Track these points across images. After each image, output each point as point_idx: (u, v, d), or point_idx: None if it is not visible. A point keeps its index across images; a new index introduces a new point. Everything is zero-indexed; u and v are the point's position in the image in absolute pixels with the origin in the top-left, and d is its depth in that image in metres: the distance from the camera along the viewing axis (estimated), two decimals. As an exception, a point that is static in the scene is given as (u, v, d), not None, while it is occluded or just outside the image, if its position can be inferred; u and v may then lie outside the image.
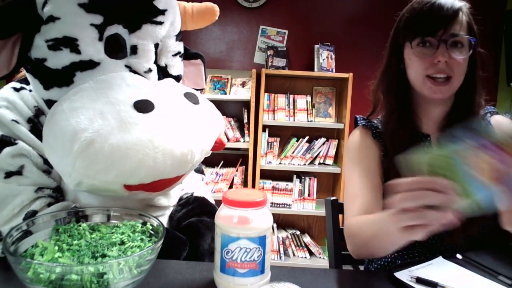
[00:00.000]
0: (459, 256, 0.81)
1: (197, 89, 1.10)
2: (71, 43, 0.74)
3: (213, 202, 1.01)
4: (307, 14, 2.90)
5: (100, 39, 0.77)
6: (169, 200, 0.93)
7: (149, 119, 0.70)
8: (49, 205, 0.78)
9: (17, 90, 0.83)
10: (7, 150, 0.75)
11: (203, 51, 2.95)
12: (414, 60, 0.91)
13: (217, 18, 0.97)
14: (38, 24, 0.74)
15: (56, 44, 0.74)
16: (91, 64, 0.76)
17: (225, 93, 2.81)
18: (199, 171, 1.13)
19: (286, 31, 2.92)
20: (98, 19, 0.75)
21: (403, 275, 0.73)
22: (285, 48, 2.85)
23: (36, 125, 0.80)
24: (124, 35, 0.80)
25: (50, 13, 0.73)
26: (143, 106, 0.71)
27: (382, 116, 1.02)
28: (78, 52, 0.75)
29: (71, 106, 0.71)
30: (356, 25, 2.86)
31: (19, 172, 0.77)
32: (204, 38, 2.94)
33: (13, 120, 0.78)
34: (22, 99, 0.81)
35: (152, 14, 0.82)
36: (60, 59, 0.75)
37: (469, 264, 0.78)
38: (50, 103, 0.77)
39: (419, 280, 0.70)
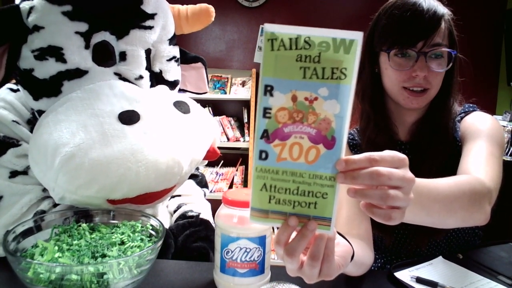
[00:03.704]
0: (459, 255, 0.81)
1: (199, 93, 1.09)
2: (56, 52, 0.73)
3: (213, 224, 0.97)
4: (307, 13, 2.90)
5: (87, 47, 0.76)
6: (154, 210, 0.89)
7: (133, 131, 0.69)
8: (55, 205, 0.78)
9: (14, 91, 0.83)
10: (11, 150, 0.75)
11: (203, 51, 2.96)
12: (390, 71, 0.85)
13: (213, 19, 0.93)
14: (24, 34, 0.73)
15: (41, 54, 0.73)
16: (78, 73, 0.75)
17: (225, 93, 2.81)
18: (201, 183, 1.08)
19: (286, 31, 2.92)
20: (83, 27, 0.74)
21: (403, 275, 0.73)
22: (285, 48, 2.84)
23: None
24: (112, 42, 0.78)
25: (35, 23, 0.73)
26: (128, 118, 0.70)
27: (359, 126, 0.98)
28: (64, 61, 0.74)
29: (56, 119, 0.70)
30: (356, 25, 2.84)
31: (24, 172, 0.77)
32: (204, 37, 2.94)
33: (13, 121, 0.78)
34: (19, 100, 0.81)
35: (140, 19, 0.80)
36: (46, 69, 0.74)
37: (469, 264, 0.78)
38: (40, 113, 0.76)
39: (419, 280, 0.70)
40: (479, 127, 0.85)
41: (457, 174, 0.77)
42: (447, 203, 0.62)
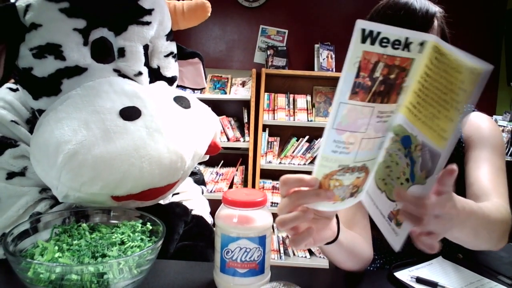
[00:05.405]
0: (459, 255, 0.81)
1: (197, 89, 1.09)
2: (55, 50, 0.73)
3: (210, 220, 0.98)
4: (307, 13, 2.90)
5: (85, 43, 0.75)
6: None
7: (135, 127, 0.69)
8: (51, 207, 0.77)
9: (13, 90, 0.82)
10: (9, 151, 0.75)
11: (203, 51, 2.96)
12: None
13: (209, 14, 0.93)
14: (22, 32, 0.73)
15: (40, 52, 0.73)
16: (77, 70, 0.75)
17: (225, 93, 2.81)
18: (199, 181, 1.09)
19: (286, 31, 2.92)
20: (81, 24, 0.74)
21: (403, 275, 0.73)
22: (285, 48, 2.85)
23: (34, 127, 0.80)
24: (110, 38, 0.78)
25: (32, 21, 0.72)
26: (129, 114, 0.70)
27: None
28: (63, 58, 0.73)
29: (56, 117, 0.70)
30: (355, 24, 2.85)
31: (22, 173, 0.77)
32: (204, 37, 2.94)
33: (12, 121, 0.77)
34: (19, 99, 0.81)
35: (138, 15, 0.80)
36: (45, 67, 0.73)
37: (469, 263, 0.78)
38: (40, 113, 0.76)
39: (419, 280, 0.70)
40: (484, 135, 0.86)
41: (468, 186, 0.79)
42: (490, 230, 0.62)
